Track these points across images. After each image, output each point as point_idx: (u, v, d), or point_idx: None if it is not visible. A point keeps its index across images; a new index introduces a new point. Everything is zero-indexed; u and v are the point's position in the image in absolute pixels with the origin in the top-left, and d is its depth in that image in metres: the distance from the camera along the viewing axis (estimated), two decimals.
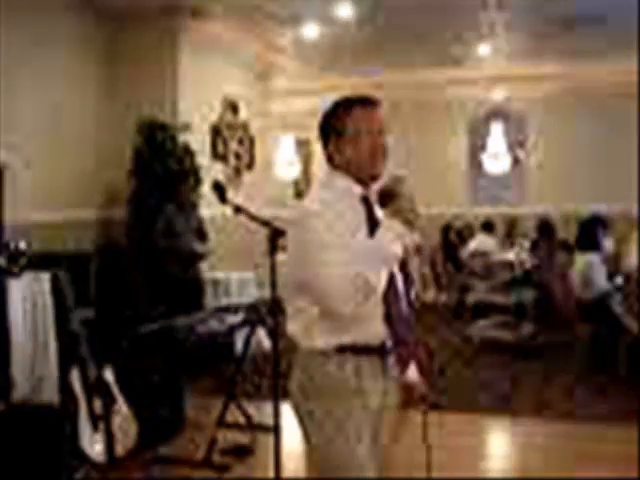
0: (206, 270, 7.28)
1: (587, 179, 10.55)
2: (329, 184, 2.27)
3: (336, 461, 2.20)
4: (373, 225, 2.22)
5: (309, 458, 2.30)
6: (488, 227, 9.62)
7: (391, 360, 2.26)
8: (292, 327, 2.26)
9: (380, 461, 2.31)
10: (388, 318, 2.21)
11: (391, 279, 2.21)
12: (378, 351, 2.24)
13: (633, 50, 8.67)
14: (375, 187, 2.29)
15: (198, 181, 7.27)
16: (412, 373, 2.37)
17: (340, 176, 2.26)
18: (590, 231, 6.63)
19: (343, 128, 2.24)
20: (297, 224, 2.19)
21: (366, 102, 2.27)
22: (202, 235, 6.81)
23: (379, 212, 2.27)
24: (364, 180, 2.26)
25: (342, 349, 2.19)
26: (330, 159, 2.30)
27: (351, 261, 2.08)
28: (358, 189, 2.25)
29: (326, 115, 2.31)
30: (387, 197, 2.21)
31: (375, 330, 2.21)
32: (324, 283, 2.09)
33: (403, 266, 2.29)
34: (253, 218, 3.14)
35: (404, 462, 2.68)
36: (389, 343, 2.24)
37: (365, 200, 2.26)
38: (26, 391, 4.31)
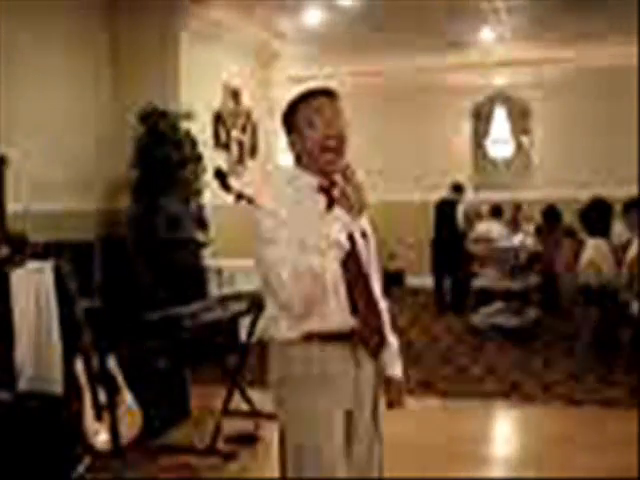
0: (210, 258, 7.27)
1: (590, 163, 10.48)
2: (288, 179, 2.32)
3: (305, 457, 2.19)
4: None
5: (284, 453, 2.26)
6: (497, 213, 9.53)
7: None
8: (265, 318, 2.33)
9: (362, 458, 2.29)
10: (354, 306, 2.23)
11: (358, 267, 2.24)
12: (346, 338, 2.23)
13: (633, 32, 8.60)
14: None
15: (201, 169, 7.24)
16: (397, 370, 2.40)
17: (297, 170, 2.30)
18: (600, 216, 6.51)
19: (291, 125, 2.30)
20: (255, 222, 2.26)
21: (309, 95, 2.29)
22: (203, 223, 6.79)
23: None
24: (321, 172, 2.26)
25: (309, 337, 2.19)
26: (293, 155, 2.34)
27: (296, 255, 2.11)
28: (315, 180, 2.26)
29: (282, 115, 2.35)
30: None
31: (342, 316, 2.21)
32: (273, 281, 2.15)
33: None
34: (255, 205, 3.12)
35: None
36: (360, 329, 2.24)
37: (325, 190, 2.25)
38: (30, 381, 4.32)
